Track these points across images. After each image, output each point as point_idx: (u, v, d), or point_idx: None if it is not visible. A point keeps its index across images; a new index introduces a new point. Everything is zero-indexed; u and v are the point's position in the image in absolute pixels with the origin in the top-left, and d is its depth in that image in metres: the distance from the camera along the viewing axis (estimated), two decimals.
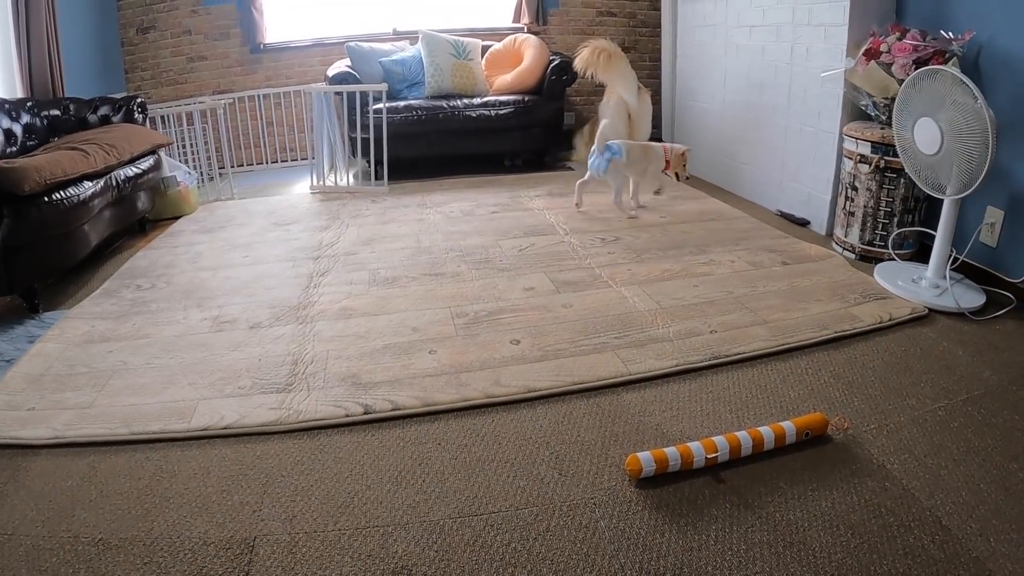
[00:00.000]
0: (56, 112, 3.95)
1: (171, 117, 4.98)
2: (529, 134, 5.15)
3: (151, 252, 3.64)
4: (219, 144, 5.21)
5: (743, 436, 1.78)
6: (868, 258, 3.10)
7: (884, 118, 2.98)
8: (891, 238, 3.01)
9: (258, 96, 5.73)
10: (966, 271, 2.83)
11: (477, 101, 5.04)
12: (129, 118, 4.12)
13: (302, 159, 5.86)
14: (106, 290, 3.10)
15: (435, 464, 1.81)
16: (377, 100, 4.70)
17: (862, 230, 3.09)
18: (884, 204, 2.99)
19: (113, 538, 1.57)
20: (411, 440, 1.92)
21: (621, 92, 4.72)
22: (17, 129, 3.59)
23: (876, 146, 2.94)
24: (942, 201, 2.66)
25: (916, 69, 2.72)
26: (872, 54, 2.94)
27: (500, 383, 2.17)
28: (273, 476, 1.78)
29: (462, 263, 3.25)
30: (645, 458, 1.70)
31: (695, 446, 1.74)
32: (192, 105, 4.94)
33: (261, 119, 5.80)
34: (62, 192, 2.90)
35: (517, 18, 6.05)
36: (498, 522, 1.59)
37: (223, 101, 5.10)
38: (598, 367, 2.24)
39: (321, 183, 4.88)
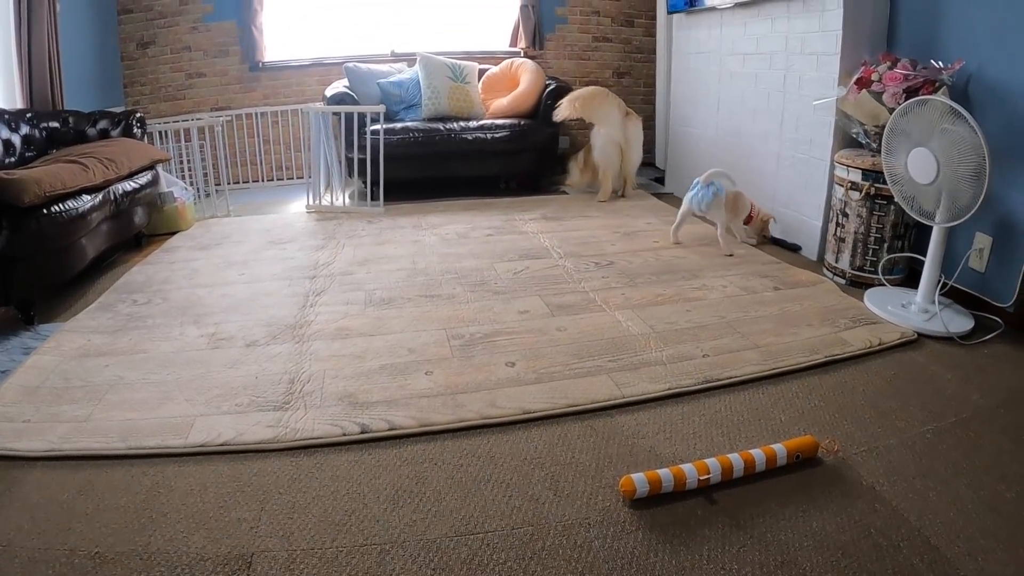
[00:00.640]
0: (55, 124, 3.98)
1: (169, 133, 5.02)
2: (524, 158, 5.20)
3: (147, 267, 3.66)
4: (216, 161, 5.24)
5: (735, 458, 1.80)
6: (858, 283, 3.14)
7: (875, 146, 3.04)
8: (881, 264, 3.06)
9: (256, 114, 5.77)
10: (955, 296, 2.87)
11: (473, 124, 5.09)
12: (128, 133, 4.15)
13: (298, 178, 5.90)
14: (102, 304, 3.11)
15: (432, 483, 1.83)
16: (374, 121, 4.75)
17: (852, 256, 3.14)
18: (874, 230, 3.04)
19: (110, 552, 1.58)
20: (408, 460, 1.94)
21: (604, 128, 4.82)
22: (16, 140, 3.61)
23: (867, 173, 2.99)
24: (931, 228, 2.71)
25: (906, 98, 2.78)
26: (863, 83, 3.00)
27: (496, 404, 2.19)
28: (270, 493, 1.79)
29: (458, 285, 3.27)
30: (639, 479, 1.72)
31: (688, 468, 1.76)
32: (190, 121, 4.97)
33: (258, 137, 5.84)
34: (61, 205, 2.92)
35: (514, 42, 6.13)
36: (494, 541, 1.61)
37: (221, 118, 5.14)
38: (592, 390, 2.26)
39: (317, 203, 4.91)
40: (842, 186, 3.14)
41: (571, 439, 2.01)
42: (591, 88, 4.94)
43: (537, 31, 5.99)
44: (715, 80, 4.55)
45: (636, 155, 4.98)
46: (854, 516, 1.66)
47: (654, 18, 5.96)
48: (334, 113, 4.98)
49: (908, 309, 2.78)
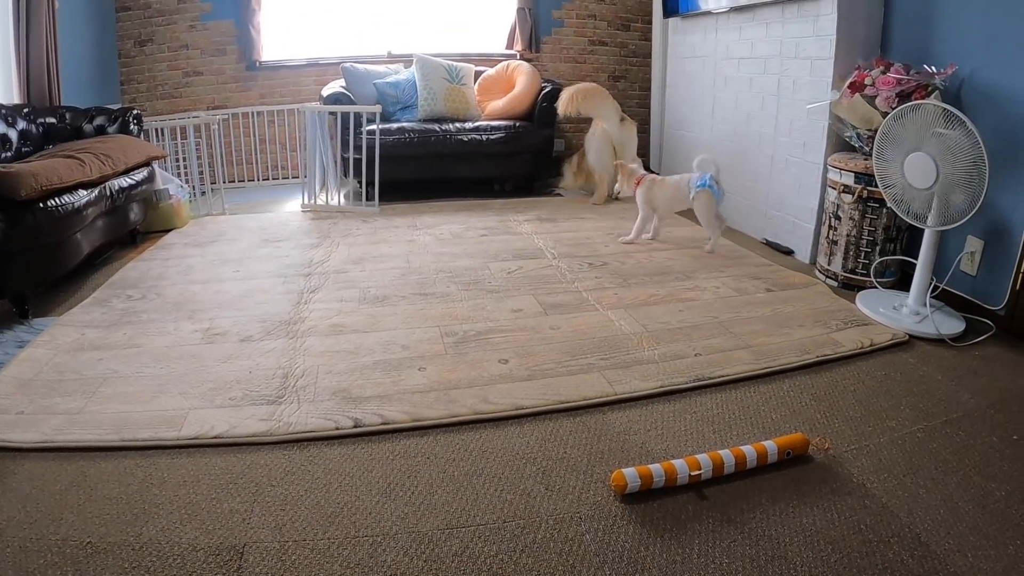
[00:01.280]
0: (52, 120, 3.98)
1: (166, 131, 5.01)
2: (519, 160, 5.21)
3: (142, 264, 3.66)
4: (212, 159, 5.24)
5: (726, 454, 1.81)
6: (851, 286, 3.16)
7: (868, 149, 3.05)
8: (873, 266, 3.08)
9: (252, 113, 5.78)
10: (946, 299, 2.89)
11: (469, 126, 5.10)
12: (124, 129, 4.14)
13: (294, 177, 5.90)
14: (97, 299, 3.11)
15: (424, 477, 1.83)
16: (370, 121, 4.76)
17: (845, 259, 3.16)
18: (867, 233, 3.06)
19: (102, 542, 1.58)
20: (400, 454, 1.94)
21: (602, 122, 4.83)
22: (12, 135, 3.60)
23: (859, 176, 3.02)
24: (923, 231, 2.73)
25: (899, 102, 2.81)
26: (857, 87, 3.02)
27: (488, 400, 2.19)
28: (263, 485, 1.80)
29: (452, 284, 3.28)
30: (630, 474, 1.73)
31: (679, 463, 1.77)
32: (187, 119, 4.97)
33: (255, 136, 5.84)
34: (57, 199, 2.92)
35: (510, 45, 6.15)
36: (485, 534, 1.62)
37: (218, 117, 5.14)
38: (584, 387, 2.27)
39: (312, 202, 4.91)
40: (835, 189, 3.16)
41: (563, 435, 2.02)
42: (591, 84, 4.96)
43: (533, 34, 6.01)
44: (710, 84, 4.57)
45: (630, 158, 4.99)
46: (844, 512, 1.68)
47: (650, 22, 5.99)
48: (330, 113, 4.99)
49: (900, 311, 2.80)
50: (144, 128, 4.47)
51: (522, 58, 6.00)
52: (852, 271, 3.16)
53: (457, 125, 5.09)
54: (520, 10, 5.93)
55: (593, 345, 2.60)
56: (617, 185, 4.10)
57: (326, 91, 5.10)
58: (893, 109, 2.81)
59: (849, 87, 3.06)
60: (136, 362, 2.48)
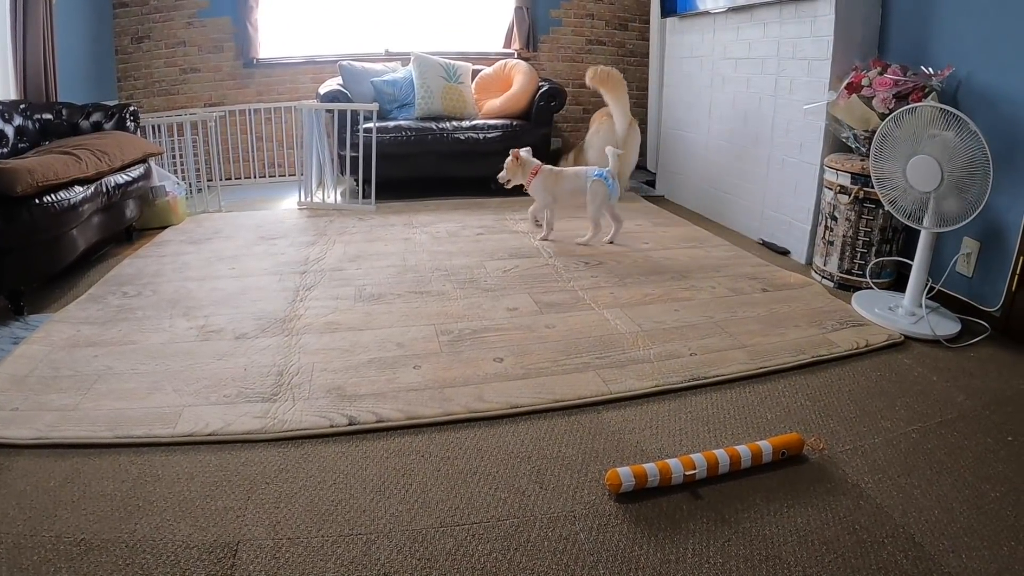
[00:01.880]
0: (49, 116, 3.96)
1: (162, 127, 5.01)
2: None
3: (138, 260, 3.65)
4: (209, 157, 5.23)
5: (721, 454, 1.81)
6: (846, 286, 3.17)
7: (864, 150, 3.06)
8: (869, 267, 3.08)
9: (249, 110, 5.77)
10: (942, 300, 2.90)
11: (466, 124, 5.11)
12: (121, 126, 4.14)
13: (290, 175, 5.90)
14: (92, 296, 3.11)
15: (418, 475, 1.83)
16: (367, 119, 4.76)
17: (841, 259, 3.17)
18: (863, 234, 3.07)
19: (95, 539, 1.57)
20: (394, 452, 1.94)
21: (614, 112, 4.82)
22: (9, 131, 3.59)
23: (856, 177, 3.02)
24: (919, 232, 2.73)
25: (896, 102, 2.81)
26: (854, 88, 3.02)
27: (483, 399, 2.19)
28: (257, 483, 1.79)
29: (447, 282, 3.28)
30: (625, 473, 1.73)
31: (674, 463, 1.77)
32: (183, 116, 4.96)
33: (251, 133, 5.83)
34: (53, 196, 2.91)
35: (508, 43, 6.15)
36: (480, 532, 1.61)
37: (214, 114, 5.13)
38: (579, 386, 2.27)
39: (309, 199, 4.91)
40: (831, 190, 3.17)
41: (558, 434, 2.02)
42: (617, 72, 4.95)
43: (531, 33, 6.01)
44: (707, 84, 4.57)
45: (632, 160, 5.00)
46: (839, 513, 1.68)
47: (648, 22, 6.00)
48: (327, 110, 4.98)
49: (895, 312, 2.80)
50: (141, 125, 4.46)
51: (520, 57, 6.00)
52: (848, 272, 3.16)
53: (454, 124, 5.10)
54: (518, 9, 5.93)
55: (588, 344, 2.60)
56: (502, 174, 3.99)
57: (323, 89, 5.10)
58: (890, 110, 2.82)
59: (846, 88, 3.06)
60: (131, 359, 2.47)
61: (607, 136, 4.85)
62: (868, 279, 3.09)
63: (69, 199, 3.01)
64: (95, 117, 4.11)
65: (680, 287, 3.20)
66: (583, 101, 6.16)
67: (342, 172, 5.10)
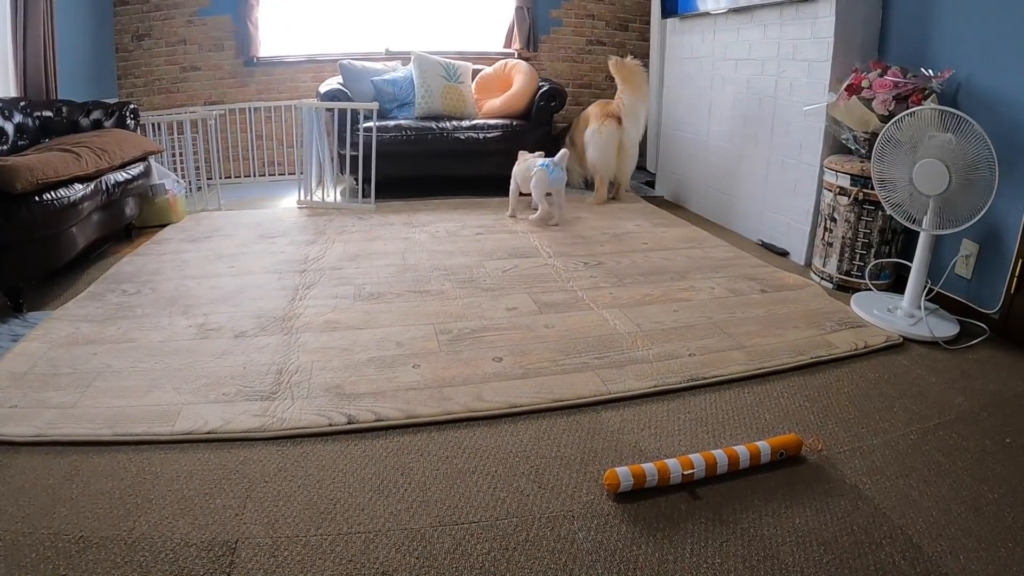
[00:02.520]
0: (49, 114, 3.96)
1: (162, 126, 5.01)
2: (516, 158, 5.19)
3: (137, 258, 3.65)
4: (208, 155, 5.23)
5: (719, 454, 1.82)
6: (845, 288, 3.17)
7: (864, 151, 3.06)
8: (868, 269, 3.09)
9: (249, 109, 5.77)
10: (941, 302, 2.90)
11: (466, 124, 5.11)
12: (121, 124, 4.14)
13: (290, 174, 5.90)
14: (91, 293, 3.11)
15: (417, 474, 1.83)
16: (367, 118, 4.76)
17: (840, 260, 3.17)
18: (862, 235, 3.07)
19: (94, 536, 1.57)
20: (393, 451, 1.94)
21: (632, 101, 4.81)
22: (9, 128, 3.59)
23: (855, 178, 3.02)
24: (918, 233, 2.73)
25: (896, 104, 2.81)
26: (853, 89, 3.02)
27: (482, 398, 2.19)
28: (256, 481, 1.79)
29: (446, 282, 3.28)
30: (623, 473, 1.73)
31: (672, 463, 1.78)
32: (183, 115, 4.96)
33: (251, 132, 5.83)
34: (53, 193, 2.91)
35: (508, 43, 6.15)
36: (478, 531, 1.62)
37: (214, 112, 5.13)
38: (578, 386, 2.28)
39: (308, 198, 4.90)
40: (831, 191, 3.17)
41: (556, 433, 2.02)
42: (641, 68, 4.90)
43: (531, 33, 6.01)
44: (707, 85, 4.57)
45: (632, 160, 4.99)
46: (837, 513, 1.68)
47: (648, 23, 6.00)
48: (327, 109, 4.98)
49: (894, 313, 2.80)
50: (141, 123, 4.46)
51: (520, 57, 6.01)
52: (847, 273, 3.16)
53: (454, 123, 5.10)
54: (518, 9, 5.93)
55: (587, 344, 2.60)
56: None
57: (323, 88, 5.10)
58: (890, 112, 2.82)
59: (846, 89, 3.07)
60: (130, 357, 2.48)
61: (610, 137, 4.81)
62: (867, 280, 3.09)
63: (69, 197, 3.01)
64: (95, 115, 4.11)
65: (679, 287, 3.20)
66: (583, 101, 6.16)
67: (342, 171, 5.10)
